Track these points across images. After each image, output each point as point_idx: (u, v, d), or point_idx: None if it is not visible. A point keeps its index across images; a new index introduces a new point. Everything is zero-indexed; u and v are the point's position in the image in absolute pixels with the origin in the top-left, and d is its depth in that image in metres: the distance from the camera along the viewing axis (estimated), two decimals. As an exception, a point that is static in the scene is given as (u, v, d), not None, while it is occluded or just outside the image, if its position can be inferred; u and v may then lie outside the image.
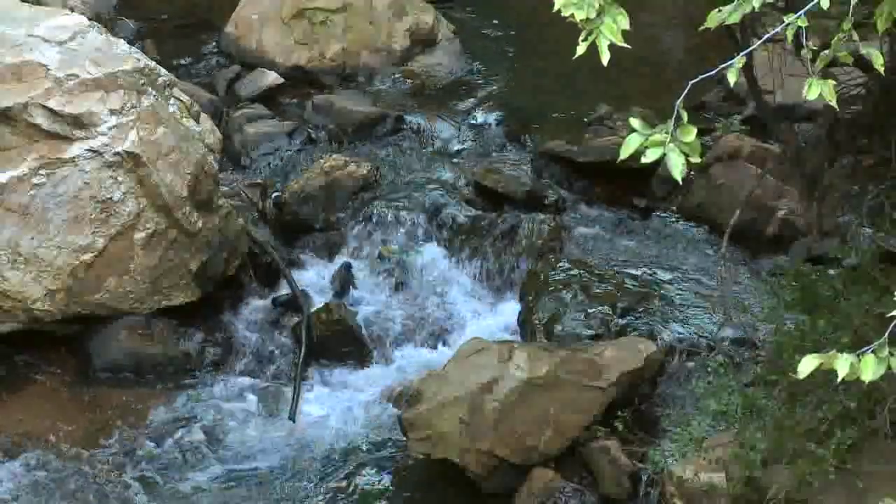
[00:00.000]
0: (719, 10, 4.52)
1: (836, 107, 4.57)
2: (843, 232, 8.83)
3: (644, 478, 8.28)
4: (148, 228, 9.43)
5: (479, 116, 11.96)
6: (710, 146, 10.73)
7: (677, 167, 4.29)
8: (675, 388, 8.99)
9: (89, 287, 9.39)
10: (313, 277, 10.32)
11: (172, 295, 9.66)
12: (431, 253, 10.38)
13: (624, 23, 4.41)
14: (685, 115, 4.32)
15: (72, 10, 11.04)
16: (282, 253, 10.38)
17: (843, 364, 4.26)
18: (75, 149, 9.20)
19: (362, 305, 10.13)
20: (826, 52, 4.57)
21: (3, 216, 9.18)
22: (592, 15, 4.38)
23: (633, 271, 10.09)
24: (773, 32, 4.58)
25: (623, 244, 10.52)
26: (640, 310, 9.58)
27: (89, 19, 9.98)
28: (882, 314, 5.91)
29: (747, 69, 7.55)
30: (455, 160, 11.35)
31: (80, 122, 9.20)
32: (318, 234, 10.60)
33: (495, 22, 13.67)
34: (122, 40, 9.87)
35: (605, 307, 9.53)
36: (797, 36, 4.44)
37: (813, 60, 4.50)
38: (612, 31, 4.38)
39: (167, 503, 8.60)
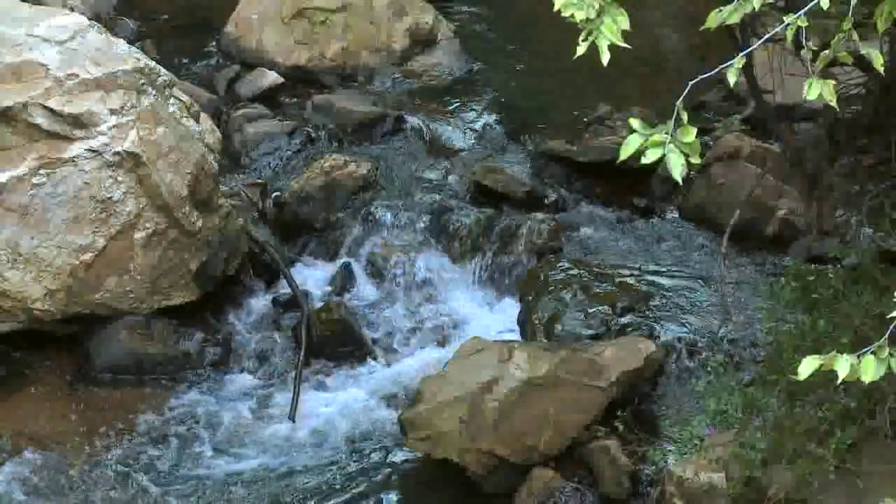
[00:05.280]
0: (719, 11, 4.52)
1: (836, 107, 4.58)
2: (842, 232, 8.83)
3: (644, 478, 8.29)
4: (148, 228, 9.43)
5: (479, 116, 11.97)
6: (710, 146, 10.73)
7: (677, 167, 4.29)
8: (675, 387, 9.00)
9: (89, 287, 9.39)
10: (313, 277, 10.32)
11: (172, 295, 9.66)
12: (431, 252, 10.38)
13: (624, 23, 4.41)
14: (685, 116, 4.32)
15: (72, 9, 11.04)
16: (282, 253, 10.38)
17: (843, 365, 4.26)
18: (75, 149, 9.20)
19: (362, 305, 10.13)
20: (826, 52, 4.58)
21: (2, 216, 9.18)
22: (592, 15, 4.38)
23: (633, 271, 10.09)
24: (773, 32, 4.59)
25: (623, 244, 10.52)
26: (640, 310, 9.58)
27: (89, 19, 9.98)
28: (882, 314, 5.92)
29: (747, 69, 7.55)
30: (455, 160, 11.35)
31: (80, 122, 9.20)
32: (318, 234, 10.61)
33: (495, 22, 13.67)
34: (122, 40, 9.86)
35: (605, 307, 9.53)
36: (797, 36, 4.44)
37: (813, 60, 4.50)
38: (612, 31, 4.38)
39: (167, 503, 8.60)
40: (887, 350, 4.25)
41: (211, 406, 9.33)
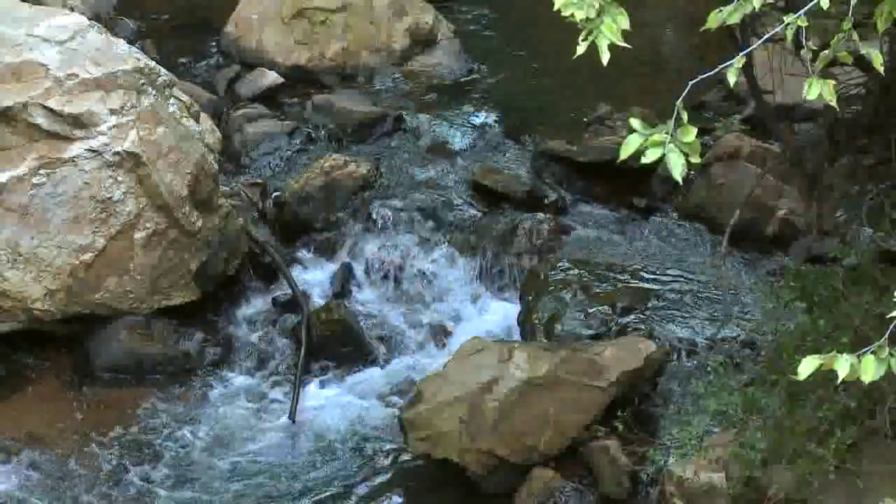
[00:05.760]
0: (720, 11, 4.52)
1: (836, 107, 4.57)
2: (842, 232, 8.83)
3: (644, 477, 8.28)
4: (148, 228, 9.43)
5: (479, 116, 11.96)
6: (710, 146, 10.73)
7: (677, 167, 4.29)
8: (675, 387, 8.99)
9: (89, 287, 9.39)
10: (313, 277, 10.32)
11: (172, 295, 9.66)
12: (431, 253, 10.38)
13: (624, 22, 4.41)
14: (685, 115, 4.32)
15: (72, 9, 11.04)
16: (282, 253, 10.37)
17: (843, 365, 4.26)
18: (75, 149, 9.20)
19: (362, 305, 10.13)
20: (826, 52, 4.57)
21: (2, 216, 9.18)
22: (592, 15, 4.38)
23: (633, 271, 10.09)
24: (772, 32, 4.59)
25: (623, 244, 10.52)
26: (640, 310, 9.58)
27: (89, 19, 9.98)
28: (882, 314, 5.91)
29: (747, 69, 7.54)
30: (455, 160, 11.35)
31: (80, 122, 9.20)
32: (318, 234, 10.60)
33: (495, 22, 13.67)
34: (122, 40, 9.87)
35: (605, 307, 9.53)
36: (797, 36, 4.44)
37: (813, 60, 4.50)
38: (612, 30, 4.38)
39: (167, 502, 8.60)
40: (887, 350, 4.25)
41: (211, 406, 9.33)
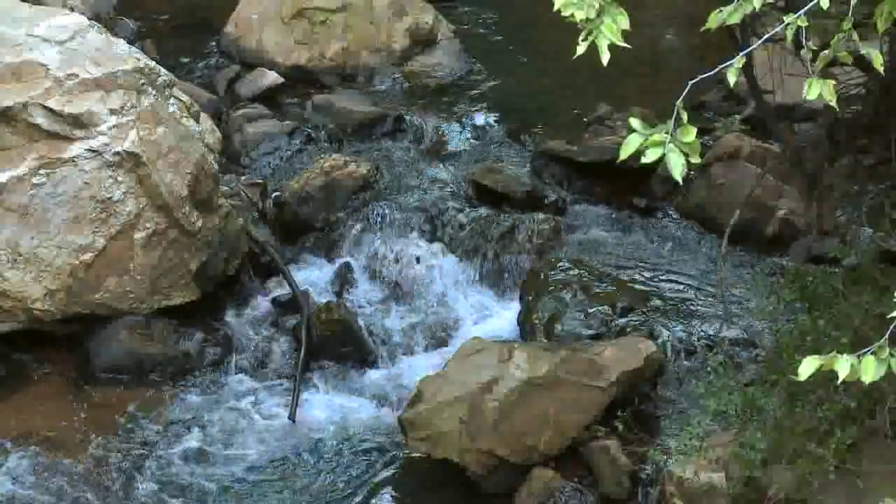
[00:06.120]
0: (720, 11, 4.52)
1: (836, 107, 4.57)
2: (842, 232, 8.83)
3: (644, 477, 8.29)
4: (148, 228, 9.43)
5: (479, 116, 11.97)
6: (710, 146, 10.74)
7: (677, 167, 4.29)
8: (675, 387, 9.00)
9: (89, 287, 9.39)
10: (313, 277, 10.32)
11: (172, 295, 9.66)
12: (431, 253, 10.38)
13: (624, 23, 4.41)
14: (685, 115, 4.32)
15: (72, 9, 11.05)
16: (282, 253, 10.38)
17: (843, 365, 4.26)
18: (75, 149, 9.20)
19: (362, 305, 10.13)
20: (826, 52, 4.58)
21: (2, 216, 9.18)
22: (592, 15, 4.38)
23: (633, 271, 10.10)
24: (772, 32, 4.59)
25: (623, 244, 10.52)
26: (640, 310, 9.58)
27: (89, 19, 9.98)
28: (882, 314, 5.91)
29: (747, 69, 7.55)
30: (455, 160, 11.35)
31: (80, 122, 9.20)
32: (318, 234, 10.61)
33: (495, 22, 13.68)
34: (122, 40, 9.87)
35: (605, 307, 9.54)
36: (797, 36, 4.44)
37: (813, 60, 4.50)
38: (612, 30, 4.38)
39: (166, 502, 8.59)
40: (887, 350, 4.25)
41: (211, 406, 9.33)
